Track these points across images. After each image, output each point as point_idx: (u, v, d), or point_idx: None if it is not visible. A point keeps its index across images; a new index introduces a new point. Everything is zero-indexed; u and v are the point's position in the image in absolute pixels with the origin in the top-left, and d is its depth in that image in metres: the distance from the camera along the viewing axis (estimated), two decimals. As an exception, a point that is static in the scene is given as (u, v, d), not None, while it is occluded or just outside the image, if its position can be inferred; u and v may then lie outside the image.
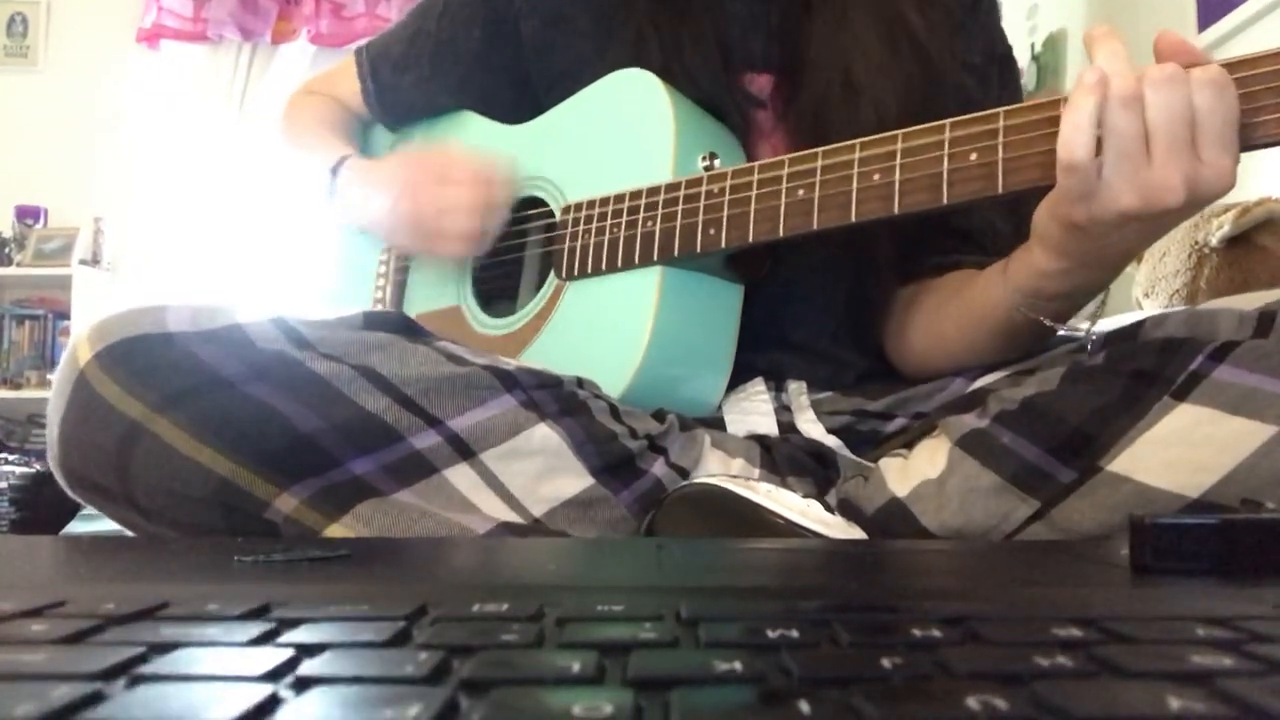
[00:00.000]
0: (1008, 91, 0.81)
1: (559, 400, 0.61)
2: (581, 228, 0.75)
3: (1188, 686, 0.18)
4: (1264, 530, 0.33)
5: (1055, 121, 0.55)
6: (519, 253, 0.84)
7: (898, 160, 0.61)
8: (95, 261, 3.36)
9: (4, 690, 0.17)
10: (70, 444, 0.55)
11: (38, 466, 1.64)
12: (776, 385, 0.76)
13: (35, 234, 3.33)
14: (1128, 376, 0.57)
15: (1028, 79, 2.51)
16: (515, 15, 0.85)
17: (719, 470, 0.66)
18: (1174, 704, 0.17)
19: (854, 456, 0.69)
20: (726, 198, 0.67)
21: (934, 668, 0.19)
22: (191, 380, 0.53)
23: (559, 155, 0.82)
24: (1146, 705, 0.17)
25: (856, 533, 0.54)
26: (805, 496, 0.55)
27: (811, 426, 0.72)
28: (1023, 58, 2.50)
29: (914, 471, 0.63)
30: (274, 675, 0.19)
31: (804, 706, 0.17)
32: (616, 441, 0.61)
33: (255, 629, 0.23)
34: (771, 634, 0.22)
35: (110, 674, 0.19)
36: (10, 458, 1.79)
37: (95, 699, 0.17)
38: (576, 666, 0.19)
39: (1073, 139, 0.52)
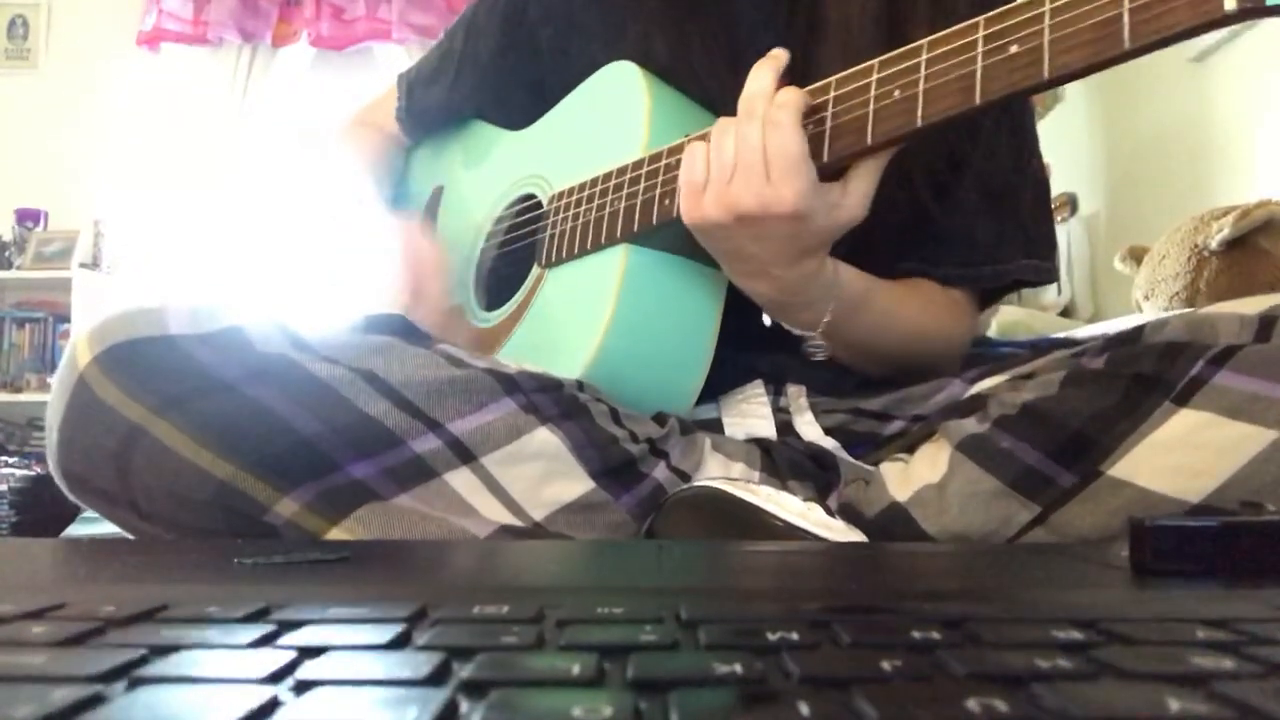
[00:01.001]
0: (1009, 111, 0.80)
1: (559, 404, 0.61)
2: (561, 215, 0.76)
3: (1187, 688, 0.18)
4: (1264, 532, 0.33)
5: (969, 47, 0.54)
6: (519, 248, 0.85)
7: (829, 110, 0.60)
8: (95, 264, 3.36)
9: (4, 692, 0.18)
10: (70, 447, 0.54)
11: (37, 469, 1.64)
12: (776, 388, 0.76)
13: (35, 237, 3.33)
14: (1128, 381, 0.57)
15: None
16: (531, 25, 0.86)
17: (720, 474, 0.66)
18: (1173, 706, 0.17)
19: (853, 460, 0.69)
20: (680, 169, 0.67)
21: (934, 669, 0.19)
22: (192, 383, 0.53)
23: (549, 151, 0.83)
24: (1146, 707, 0.17)
25: (857, 536, 0.54)
26: (806, 500, 0.55)
27: (809, 428, 0.72)
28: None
29: (914, 476, 0.63)
30: (274, 677, 0.19)
31: (804, 708, 0.17)
32: (617, 445, 0.61)
33: (255, 631, 0.23)
34: (771, 636, 0.22)
35: (110, 676, 0.19)
36: (10, 461, 1.79)
37: (95, 701, 0.17)
38: (577, 668, 0.19)
39: (691, 160, 0.63)
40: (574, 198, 0.75)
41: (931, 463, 0.63)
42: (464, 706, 0.17)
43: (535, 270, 0.78)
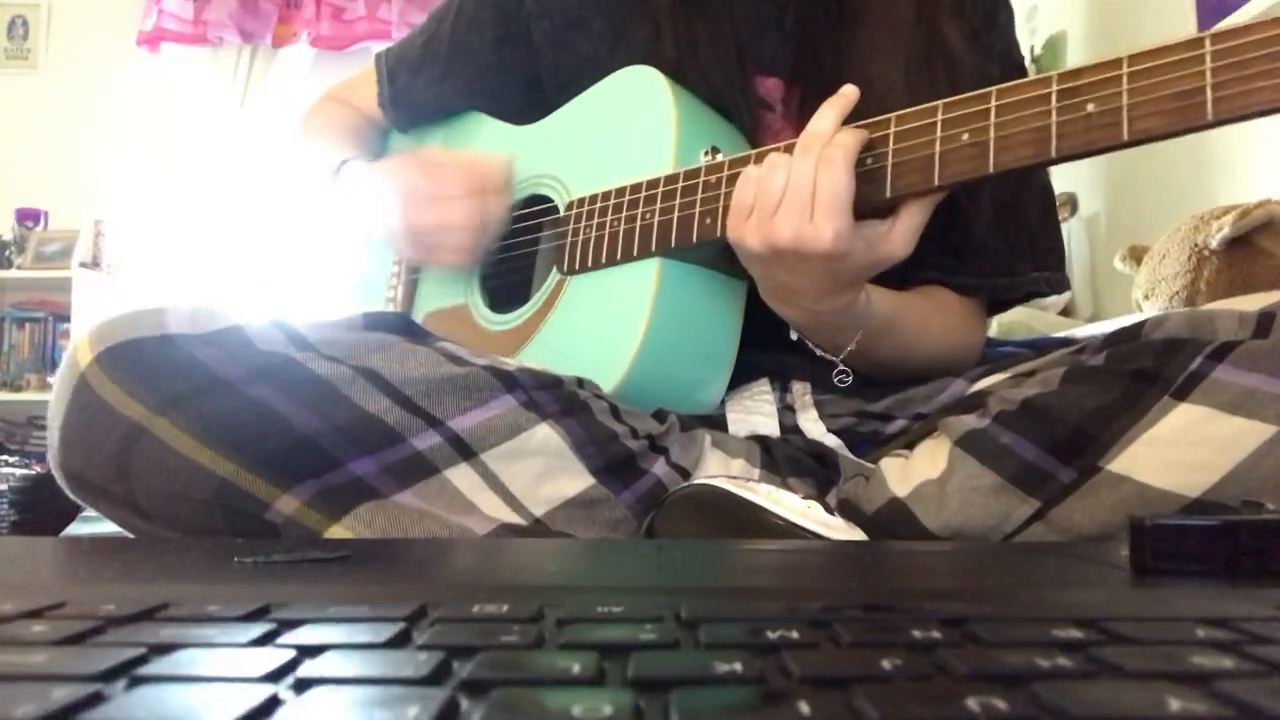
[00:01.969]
0: None
1: (560, 400, 0.61)
2: (584, 222, 0.75)
3: (1187, 687, 0.18)
4: (1264, 531, 0.33)
5: (1043, 100, 0.55)
6: (526, 250, 0.84)
7: (890, 146, 0.61)
8: (95, 264, 3.36)
9: (4, 691, 0.18)
10: (71, 446, 0.55)
11: (38, 469, 1.64)
12: (782, 385, 0.76)
13: (35, 236, 3.33)
14: (1128, 377, 0.57)
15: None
16: (526, 17, 0.85)
17: (719, 470, 0.66)
18: (1174, 705, 0.17)
19: (854, 457, 0.69)
20: (723, 189, 0.67)
21: (934, 668, 0.19)
22: (192, 382, 0.53)
23: (565, 153, 0.82)
24: (1146, 706, 0.17)
25: (857, 534, 0.54)
26: (806, 497, 0.55)
27: (813, 425, 0.72)
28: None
29: (914, 472, 0.63)
30: (274, 676, 0.19)
31: (804, 707, 0.17)
32: (617, 441, 0.61)
33: (255, 630, 0.23)
34: (772, 635, 0.22)
35: (110, 675, 0.19)
36: (10, 460, 1.79)
37: (95, 700, 0.17)
38: (577, 667, 0.19)
39: (745, 185, 0.63)
40: (598, 205, 0.75)
41: (931, 458, 0.63)
42: (464, 705, 0.17)
43: (554, 275, 0.78)
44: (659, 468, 0.62)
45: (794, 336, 0.71)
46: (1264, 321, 0.55)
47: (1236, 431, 0.52)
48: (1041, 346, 0.74)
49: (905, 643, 0.22)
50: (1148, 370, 0.56)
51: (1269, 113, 0.49)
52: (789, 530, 0.51)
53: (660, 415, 0.67)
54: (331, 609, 0.25)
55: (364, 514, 0.54)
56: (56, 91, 3.47)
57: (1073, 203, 2.42)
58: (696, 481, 0.58)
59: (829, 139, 0.60)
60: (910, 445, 0.67)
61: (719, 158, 0.69)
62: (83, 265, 3.28)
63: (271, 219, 3.39)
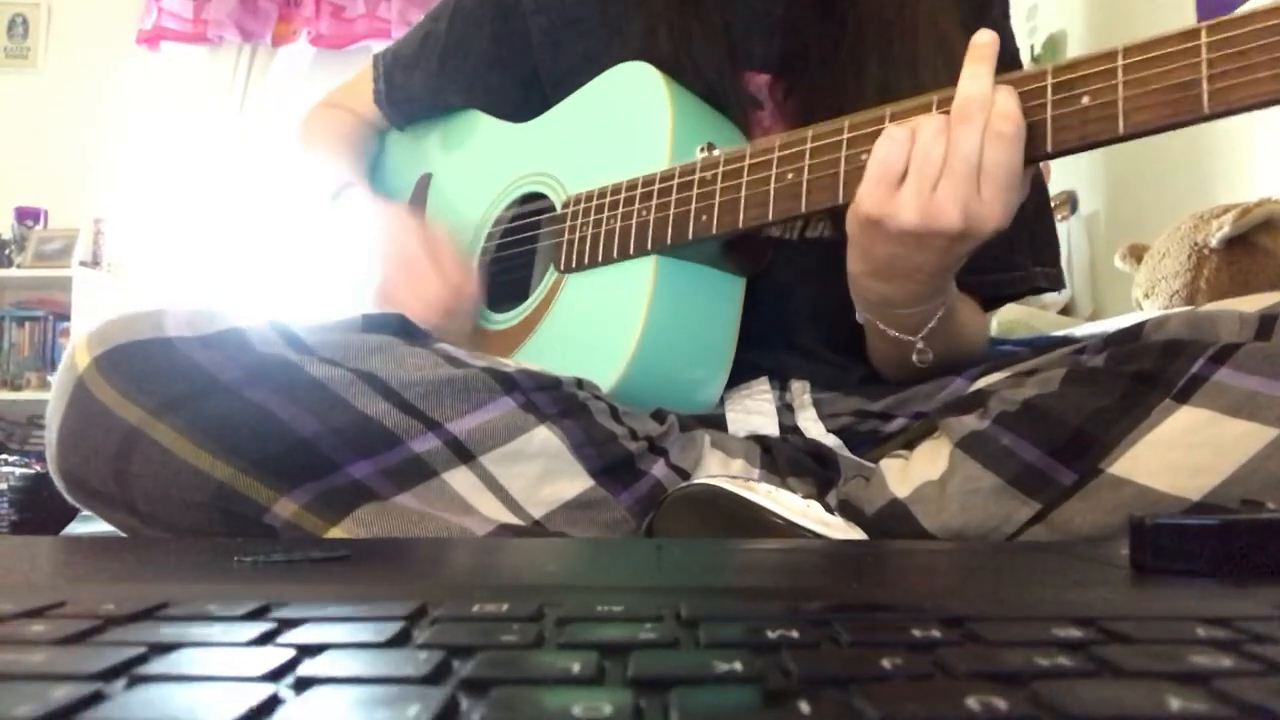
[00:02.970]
0: None
1: (558, 402, 0.61)
2: (580, 220, 0.75)
3: (1187, 687, 0.18)
4: (1264, 531, 0.33)
5: (1038, 93, 0.55)
6: (524, 248, 0.84)
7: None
8: (95, 263, 3.36)
9: (4, 691, 0.18)
10: (69, 449, 0.54)
11: (38, 468, 1.64)
12: (781, 384, 0.76)
13: (35, 235, 3.33)
14: (1129, 378, 0.57)
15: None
16: (523, 14, 0.85)
17: (719, 471, 0.66)
18: (1173, 704, 0.17)
19: (854, 457, 0.69)
20: (719, 185, 0.67)
21: (934, 668, 0.19)
22: (190, 385, 0.53)
23: (561, 150, 0.82)
24: (1146, 705, 0.17)
25: (857, 534, 0.54)
26: (805, 497, 0.55)
27: (812, 425, 0.72)
28: (1023, 59, 2.50)
29: (914, 473, 0.63)
30: (274, 675, 0.19)
31: (804, 707, 0.17)
32: (616, 443, 0.61)
33: (255, 629, 0.23)
34: (771, 634, 0.22)
35: (110, 674, 0.19)
36: (10, 459, 1.79)
37: (95, 699, 0.17)
38: (577, 667, 0.19)
39: (889, 149, 0.57)
40: (594, 203, 0.74)
41: (931, 459, 0.63)
42: (464, 705, 0.17)
43: (552, 274, 0.78)
44: (658, 469, 0.62)
45: (861, 319, 0.68)
46: (1265, 323, 0.55)
47: (1238, 434, 0.52)
48: (1041, 345, 0.74)
49: (905, 642, 0.22)
50: (1149, 372, 0.56)
51: (1267, 104, 0.48)
52: (789, 530, 0.51)
53: (659, 416, 0.67)
54: (332, 608, 0.25)
55: (362, 516, 0.54)
56: (56, 91, 3.46)
57: (1072, 201, 2.42)
58: (696, 481, 0.58)
59: (991, 104, 0.55)
60: (910, 445, 0.67)
61: (715, 153, 0.69)
62: (83, 264, 3.28)
63: (271, 218, 3.39)
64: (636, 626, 0.23)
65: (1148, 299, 1.61)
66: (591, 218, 0.74)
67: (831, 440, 0.70)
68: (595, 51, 0.79)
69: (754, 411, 0.74)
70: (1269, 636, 0.22)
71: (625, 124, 0.76)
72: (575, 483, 0.59)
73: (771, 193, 0.64)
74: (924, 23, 0.74)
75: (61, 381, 0.55)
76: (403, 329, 0.61)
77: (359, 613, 0.24)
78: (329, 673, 0.19)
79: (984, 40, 0.57)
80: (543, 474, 0.58)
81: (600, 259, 0.73)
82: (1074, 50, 2.45)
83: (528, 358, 0.74)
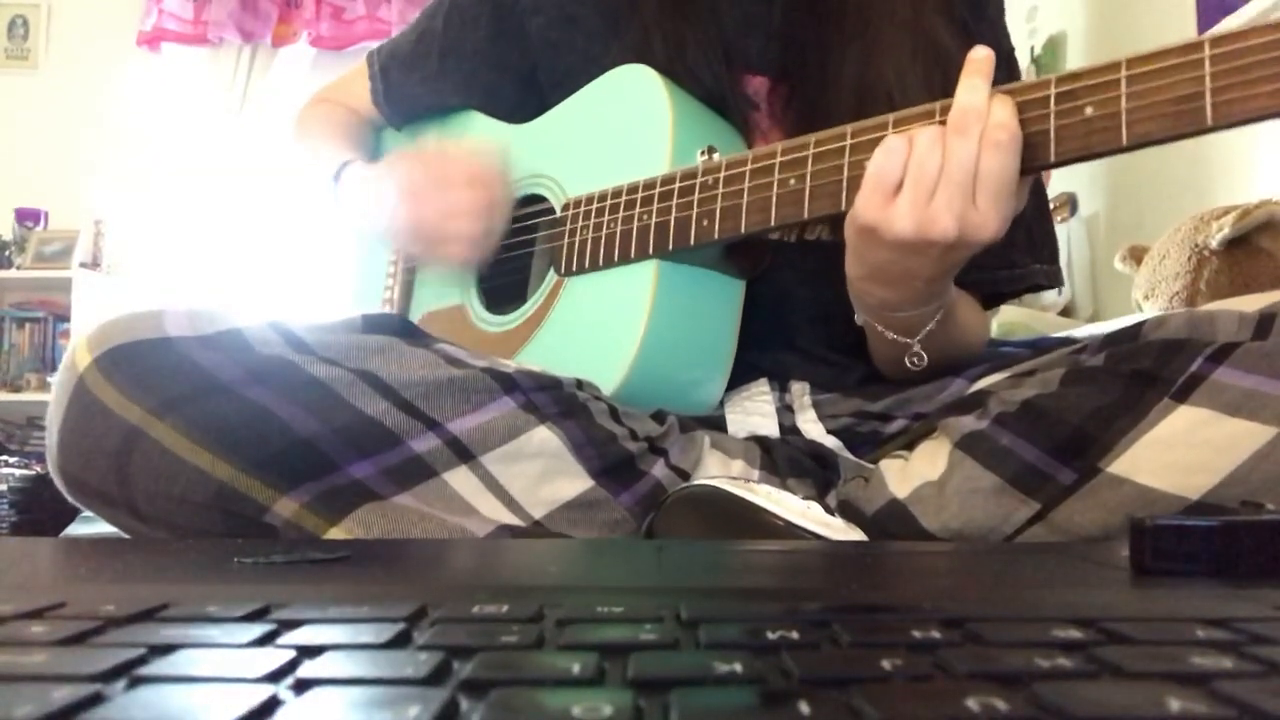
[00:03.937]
0: None
1: (559, 402, 0.61)
2: (580, 223, 0.75)
3: (1187, 687, 0.18)
4: (1264, 532, 0.33)
5: (1041, 103, 0.55)
6: (522, 250, 0.84)
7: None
8: (95, 264, 3.36)
9: (4, 691, 0.18)
10: (69, 449, 0.55)
11: (38, 469, 1.64)
12: (780, 385, 0.76)
13: (35, 236, 3.33)
14: (1128, 378, 0.57)
15: (1028, 81, 2.51)
16: (521, 13, 0.85)
17: (719, 471, 0.66)
18: (1174, 705, 0.17)
19: (854, 457, 0.69)
20: (720, 189, 0.67)
21: (934, 668, 0.19)
22: (190, 385, 0.53)
23: (560, 152, 0.82)
24: (1146, 706, 0.17)
25: (857, 534, 0.54)
26: (805, 498, 0.55)
27: (812, 426, 0.72)
28: (1022, 60, 2.50)
29: (914, 473, 0.63)
30: (274, 677, 0.19)
31: (804, 707, 0.17)
32: (616, 443, 0.61)
33: (255, 630, 0.23)
34: (772, 635, 0.22)
35: (110, 675, 0.19)
36: (10, 460, 1.79)
37: (95, 700, 0.17)
38: (577, 668, 0.19)
39: (887, 159, 0.57)
40: (594, 206, 0.74)
41: (931, 459, 0.63)
42: (464, 706, 0.17)
43: (551, 277, 0.78)
44: (658, 469, 0.62)
45: (860, 320, 0.68)
46: (1264, 322, 0.55)
47: (1237, 433, 0.52)
48: (1041, 346, 0.74)
49: (905, 643, 0.22)
50: (1148, 371, 0.56)
51: (1269, 117, 0.48)
52: (789, 531, 0.51)
53: (659, 417, 0.67)
54: (332, 609, 0.25)
55: (362, 516, 0.54)
56: (56, 91, 3.46)
57: (1073, 203, 2.42)
58: (697, 482, 0.58)
59: (987, 115, 0.55)
60: (910, 445, 0.67)
61: (715, 157, 0.69)
62: (83, 265, 3.28)
63: (271, 219, 3.39)
64: (636, 627, 0.23)
65: (1148, 300, 1.61)
66: (591, 221, 0.74)
67: (831, 441, 0.70)
68: (593, 53, 0.79)
69: (754, 412, 0.74)
70: (1269, 637, 0.22)
71: (625, 127, 0.76)
72: (575, 483, 0.59)
73: (774, 199, 0.64)
74: (916, 27, 0.74)
75: (62, 382, 0.55)
76: (403, 329, 0.61)
77: (359, 614, 0.24)
78: (329, 674, 0.19)
79: (980, 55, 0.57)
80: (543, 474, 0.58)
81: (601, 263, 0.73)
82: (1074, 51, 2.45)
83: (529, 360, 0.74)
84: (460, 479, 0.56)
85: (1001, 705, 0.17)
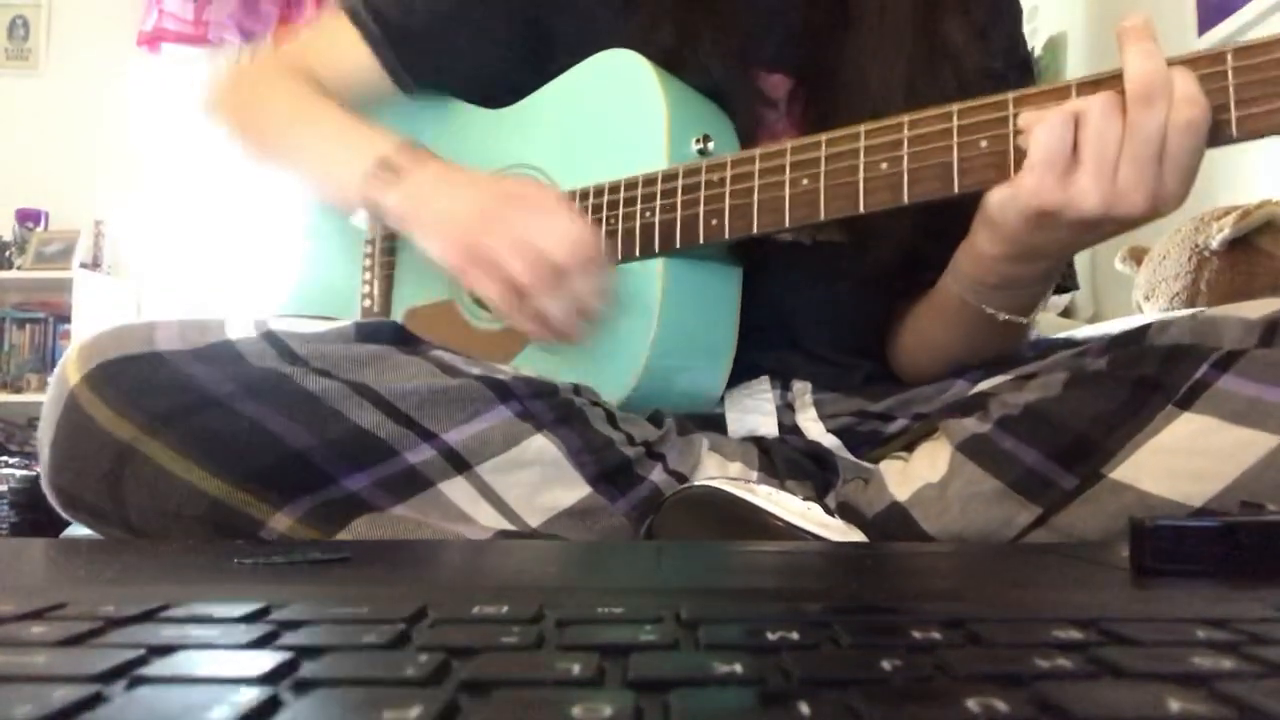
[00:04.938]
0: None
1: (555, 409, 0.60)
2: None
3: (1188, 688, 0.18)
4: (1264, 532, 0.33)
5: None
6: None
7: (905, 150, 0.59)
8: (96, 265, 3.35)
9: (4, 692, 0.18)
10: (61, 465, 0.54)
11: (37, 470, 1.64)
12: (783, 384, 0.76)
13: (36, 237, 3.32)
14: (1131, 384, 0.57)
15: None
16: None
17: (717, 473, 0.65)
18: (1174, 705, 0.17)
19: (853, 458, 0.69)
20: (728, 188, 0.66)
21: (934, 669, 0.19)
22: (182, 400, 0.52)
23: (547, 141, 0.79)
24: (1147, 706, 0.17)
25: (856, 536, 0.54)
26: (805, 499, 0.55)
27: (812, 425, 0.71)
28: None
29: (914, 475, 0.63)
30: (274, 677, 0.19)
31: (804, 708, 0.17)
32: (613, 448, 0.60)
33: (255, 631, 0.23)
34: (771, 636, 0.22)
35: (110, 676, 0.19)
36: (10, 461, 1.79)
37: (95, 701, 0.17)
38: (576, 668, 0.19)
39: (1050, 134, 0.53)
40: (591, 202, 0.72)
41: (931, 461, 0.62)
42: (464, 706, 0.17)
43: None
44: (656, 474, 0.62)
45: (971, 299, 0.66)
46: (1269, 329, 0.55)
47: (1240, 442, 0.52)
48: (1042, 347, 0.74)
49: (905, 644, 0.22)
50: (1151, 378, 0.56)
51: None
52: (788, 532, 0.51)
53: (657, 420, 0.67)
54: (332, 610, 0.25)
55: (359, 529, 0.54)
56: (57, 92, 3.46)
57: (1073, 204, 2.42)
58: (696, 483, 0.58)
59: (1172, 86, 0.51)
60: (910, 446, 0.67)
61: (710, 146, 0.68)
62: (83, 266, 3.27)
63: (271, 219, 3.39)
64: (636, 628, 0.23)
65: (1148, 301, 1.61)
66: (590, 217, 0.73)
67: (831, 440, 0.70)
68: (599, 34, 0.75)
69: (754, 411, 0.73)
70: (1269, 638, 0.22)
71: (616, 116, 0.74)
72: (572, 491, 0.59)
73: (787, 200, 0.63)
74: (930, 30, 0.73)
75: (53, 397, 0.54)
76: (397, 337, 0.60)
77: (359, 614, 0.24)
78: (329, 674, 0.19)
79: (1139, 22, 0.53)
80: (540, 482, 0.58)
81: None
82: (1074, 51, 2.45)
83: (532, 361, 0.74)
84: (457, 489, 0.56)
85: (1002, 706, 0.17)
